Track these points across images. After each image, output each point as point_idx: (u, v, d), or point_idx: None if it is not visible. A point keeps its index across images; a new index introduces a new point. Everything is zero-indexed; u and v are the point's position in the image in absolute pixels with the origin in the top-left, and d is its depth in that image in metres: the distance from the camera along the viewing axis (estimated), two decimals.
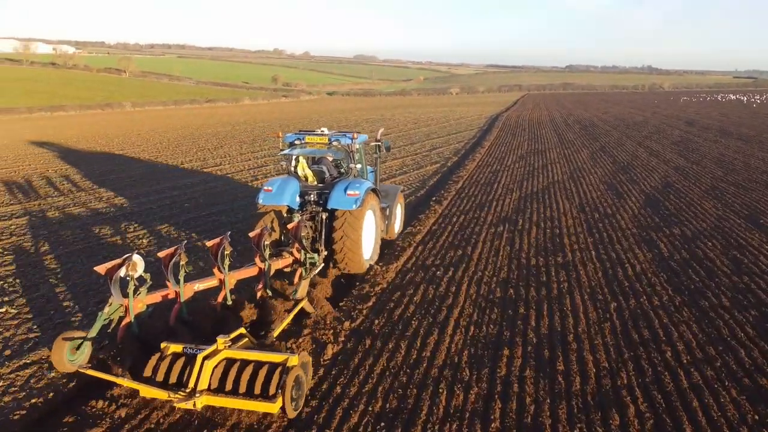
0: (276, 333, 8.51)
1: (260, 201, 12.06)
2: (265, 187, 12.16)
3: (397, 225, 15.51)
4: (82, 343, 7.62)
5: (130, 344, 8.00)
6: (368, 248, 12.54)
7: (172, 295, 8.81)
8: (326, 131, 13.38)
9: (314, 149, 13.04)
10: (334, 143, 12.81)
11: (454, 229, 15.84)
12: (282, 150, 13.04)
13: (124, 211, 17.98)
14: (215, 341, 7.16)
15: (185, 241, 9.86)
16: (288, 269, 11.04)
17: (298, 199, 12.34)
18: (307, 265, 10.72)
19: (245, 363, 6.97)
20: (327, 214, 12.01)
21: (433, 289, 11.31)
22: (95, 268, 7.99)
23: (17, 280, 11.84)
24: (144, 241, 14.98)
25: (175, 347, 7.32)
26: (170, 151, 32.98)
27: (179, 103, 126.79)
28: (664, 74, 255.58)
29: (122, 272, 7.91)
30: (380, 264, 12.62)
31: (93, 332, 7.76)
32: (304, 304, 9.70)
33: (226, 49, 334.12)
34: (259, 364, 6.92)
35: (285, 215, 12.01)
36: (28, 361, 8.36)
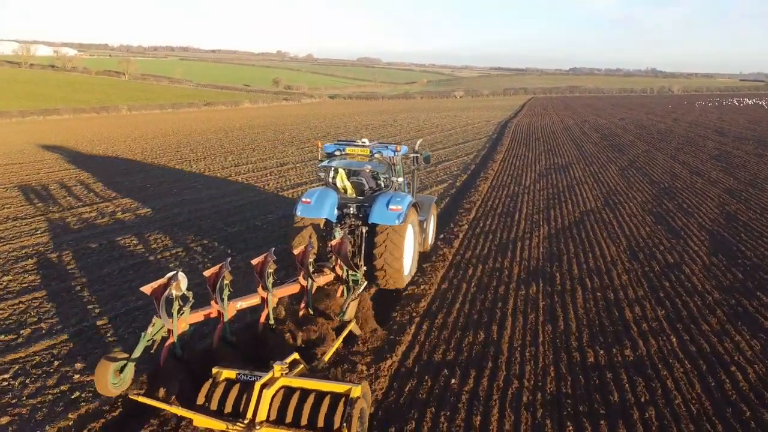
0: (327, 357, 8.17)
1: (298, 213, 11.61)
2: (303, 199, 11.72)
3: (431, 237, 14.76)
4: (125, 365, 7.37)
5: (174, 367, 7.58)
6: (407, 263, 11.97)
7: (214, 314, 8.30)
8: (367, 142, 13.14)
9: (354, 161, 12.58)
10: (376, 155, 12.56)
11: (471, 289, 11.80)
12: (321, 161, 12.74)
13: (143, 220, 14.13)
14: (271, 368, 6.75)
15: (229, 258, 8.72)
16: (328, 287, 10.15)
17: (335, 211, 11.85)
18: (350, 283, 9.98)
19: (305, 392, 6.60)
20: (367, 228, 11.64)
21: (446, 420, 7.27)
22: (141, 289, 7.49)
23: (52, 305, 10.89)
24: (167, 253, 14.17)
25: (228, 373, 6.92)
26: (150, 157, 28.99)
27: (177, 107, 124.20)
28: (671, 77, 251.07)
29: (170, 292, 7.46)
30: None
31: (136, 354, 7.47)
32: (353, 326, 9.30)
33: (229, 51, 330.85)
34: (320, 394, 6.55)
35: (323, 228, 11.57)
36: (66, 387, 8.00)
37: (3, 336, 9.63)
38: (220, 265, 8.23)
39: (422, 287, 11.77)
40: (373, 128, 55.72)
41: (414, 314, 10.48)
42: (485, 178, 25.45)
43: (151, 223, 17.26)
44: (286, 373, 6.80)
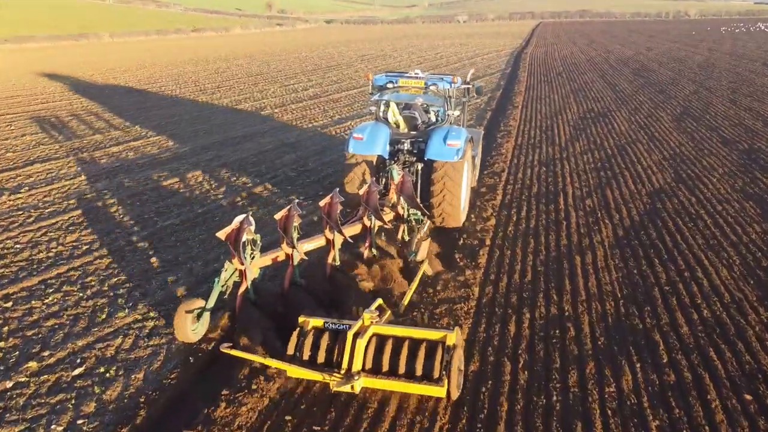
0: (406, 302, 7.92)
1: (350, 150, 11.15)
2: (355, 135, 11.18)
3: (477, 172, 14.18)
4: (201, 312, 7.44)
5: (251, 313, 7.60)
6: (464, 200, 11.45)
7: (282, 258, 8.21)
8: (420, 74, 12.40)
9: (409, 94, 12.33)
10: (431, 87, 11.99)
11: (516, 397, 6.82)
12: (371, 93, 12.33)
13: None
14: (359, 316, 6.65)
15: (296, 200, 8.37)
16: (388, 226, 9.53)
17: (388, 147, 11.36)
18: (413, 223, 9.80)
19: (398, 341, 6.42)
20: (422, 165, 11.23)
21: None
22: (217, 235, 7.50)
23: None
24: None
25: (316, 321, 6.75)
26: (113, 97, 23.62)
27: (163, 33, 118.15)
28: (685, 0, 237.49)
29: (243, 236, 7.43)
30: None
31: (212, 302, 7.53)
32: (425, 267, 8.97)
33: None
34: (414, 342, 6.38)
35: (376, 165, 11.20)
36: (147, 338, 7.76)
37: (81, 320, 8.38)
38: (288, 207, 8.11)
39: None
40: (370, 59, 49.41)
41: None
42: (507, 132, 20.02)
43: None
44: (376, 321, 6.55)
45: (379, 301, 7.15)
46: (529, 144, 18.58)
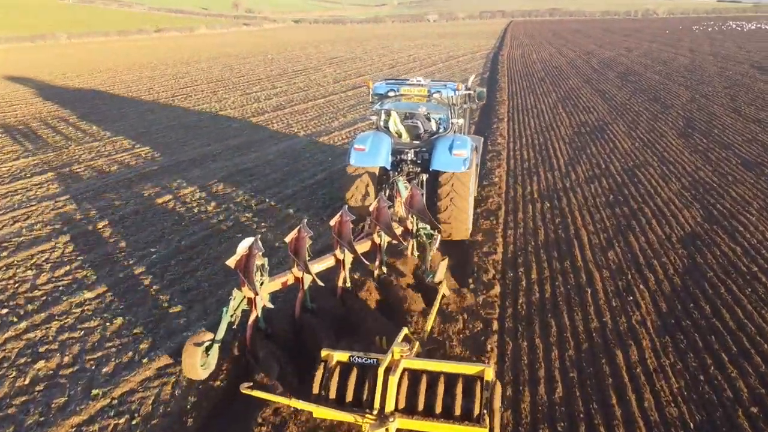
0: (428, 329, 7.33)
1: (352, 162, 10.65)
2: (356, 146, 10.68)
3: (478, 181, 13.47)
4: (210, 345, 6.91)
5: (265, 345, 7.09)
6: (471, 211, 11.11)
7: (291, 281, 7.74)
8: (423, 81, 12.12)
9: (411, 103, 11.80)
10: (435, 95, 11.62)
11: None
12: (372, 103, 12.16)
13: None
14: (387, 349, 6.08)
15: (305, 219, 7.74)
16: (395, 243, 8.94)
17: (390, 158, 10.98)
18: (423, 238, 9.25)
19: (433, 376, 5.89)
20: (427, 175, 10.85)
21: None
22: (227, 263, 7.04)
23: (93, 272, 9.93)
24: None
25: (340, 356, 6.16)
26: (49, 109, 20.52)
27: (125, 34, 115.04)
28: None
29: (257, 262, 7.03)
30: None
31: (221, 333, 7.00)
32: (445, 289, 8.27)
33: None
34: (450, 378, 5.85)
35: (378, 177, 10.94)
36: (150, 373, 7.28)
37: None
38: (297, 228, 7.53)
39: None
40: (339, 63, 46.59)
41: None
42: (496, 153, 17.48)
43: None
44: (407, 355, 5.94)
45: (405, 331, 6.49)
46: (523, 168, 16.03)
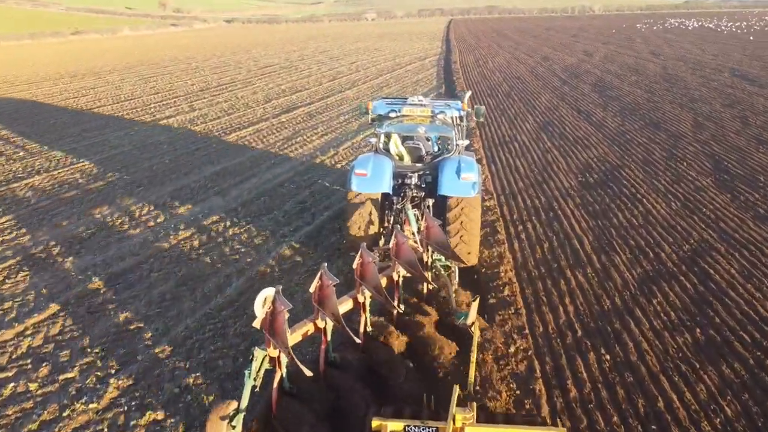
0: (472, 379, 6.85)
1: (354, 188, 10.06)
2: (357, 170, 10.00)
3: None
4: (235, 415, 6.03)
5: (291, 407, 6.36)
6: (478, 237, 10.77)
7: (312, 332, 7.02)
8: (424, 100, 11.78)
9: (413, 124, 11.23)
10: (440, 116, 11.32)
11: None
12: (373, 123, 11.93)
13: None
14: (443, 414, 5.61)
15: (325, 264, 6.91)
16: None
17: (392, 182, 10.31)
18: (440, 270, 8.99)
19: None
20: (432, 200, 10.29)
21: None
22: (254, 325, 6.26)
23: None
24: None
25: (395, 426, 5.55)
26: None
27: (37, 37, 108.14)
28: None
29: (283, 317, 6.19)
30: None
31: (245, 399, 6.17)
32: (477, 332, 7.75)
33: None
34: None
35: (381, 203, 10.32)
36: None
37: None
38: (319, 274, 6.84)
39: None
40: (272, 73, 40.79)
41: None
42: (491, 228, 12.32)
43: None
44: (470, 422, 5.41)
45: (458, 389, 5.77)
46: (538, 264, 10.87)
